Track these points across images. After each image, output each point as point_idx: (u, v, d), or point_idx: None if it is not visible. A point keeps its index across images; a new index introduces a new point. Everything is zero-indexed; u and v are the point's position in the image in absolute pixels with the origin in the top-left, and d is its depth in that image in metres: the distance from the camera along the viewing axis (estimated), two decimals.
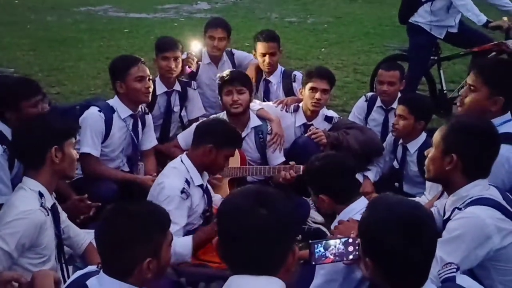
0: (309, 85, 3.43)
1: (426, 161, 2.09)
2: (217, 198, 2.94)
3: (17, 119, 2.62)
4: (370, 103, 3.84)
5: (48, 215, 2.15)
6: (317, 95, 3.40)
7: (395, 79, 3.68)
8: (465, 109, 2.45)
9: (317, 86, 3.40)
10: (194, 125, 3.43)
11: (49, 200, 2.21)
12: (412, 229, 1.45)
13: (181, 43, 3.75)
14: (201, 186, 2.70)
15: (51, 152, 2.19)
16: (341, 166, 2.23)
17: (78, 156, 2.36)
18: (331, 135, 3.41)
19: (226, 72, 3.42)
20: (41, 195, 2.16)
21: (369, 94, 4.00)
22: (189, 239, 2.54)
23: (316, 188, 2.24)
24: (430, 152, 2.06)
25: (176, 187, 2.56)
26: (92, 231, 2.35)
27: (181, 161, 2.69)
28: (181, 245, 2.46)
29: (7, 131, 2.63)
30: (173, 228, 2.50)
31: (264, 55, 3.91)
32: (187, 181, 2.62)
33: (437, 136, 2.04)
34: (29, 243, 2.08)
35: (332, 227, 2.21)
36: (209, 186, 2.88)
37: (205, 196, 2.75)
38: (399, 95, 3.70)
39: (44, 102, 2.72)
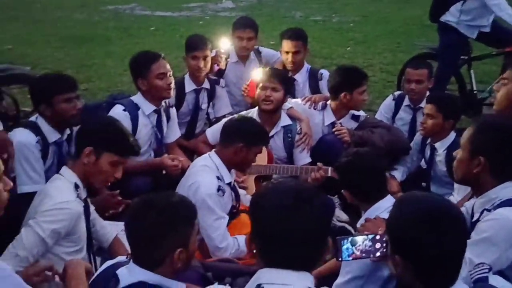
0: (362, 88, 3.41)
1: (454, 163, 2.06)
2: (241, 194, 2.95)
3: (51, 114, 2.69)
4: (398, 102, 3.80)
5: (83, 206, 2.20)
6: (366, 95, 3.48)
7: (423, 78, 3.64)
8: (497, 103, 2.46)
9: (366, 88, 3.45)
10: (224, 120, 3.46)
11: (83, 193, 2.26)
12: (441, 223, 1.44)
13: (210, 41, 3.76)
14: (229, 183, 2.71)
15: (86, 151, 2.22)
16: (369, 165, 2.22)
17: (113, 173, 2.32)
18: (356, 134, 3.39)
19: (267, 69, 3.47)
20: (76, 186, 2.21)
21: (397, 93, 3.96)
22: (243, 239, 2.62)
23: (342, 183, 2.25)
24: (458, 154, 2.03)
25: (212, 185, 2.58)
26: (119, 223, 2.41)
27: (210, 158, 2.70)
28: (242, 243, 2.58)
29: (42, 124, 2.71)
30: (223, 224, 2.58)
31: (287, 53, 3.90)
32: (218, 178, 2.64)
33: (464, 137, 2.01)
34: (64, 232, 2.13)
35: (358, 225, 2.20)
36: (236, 184, 2.90)
37: (233, 193, 2.76)
38: (428, 93, 3.66)
39: (78, 99, 2.77)
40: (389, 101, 3.87)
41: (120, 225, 2.43)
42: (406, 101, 3.76)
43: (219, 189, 2.59)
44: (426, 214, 1.47)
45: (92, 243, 2.35)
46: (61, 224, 2.10)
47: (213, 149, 2.80)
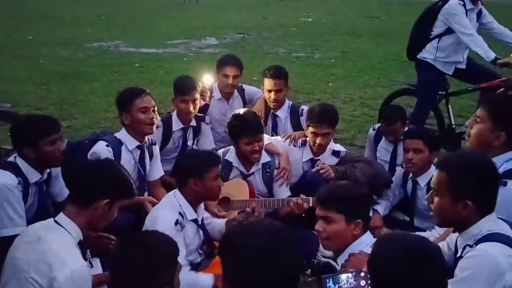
0: (310, 128, 3.47)
1: (433, 208, 2.02)
2: (220, 224, 2.92)
3: (36, 156, 2.67)
4: (377, 133, 3.92)
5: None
6: (318, 140, 3.45)
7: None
8: (471, 141, 2.46)
9: (317, 132, 3.43)
10: None
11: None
12: (420, 261, 1.47)
13: (198, 83, 3.73)
14: (195, 220, 2.69)
15: (101, 202, 2.10)
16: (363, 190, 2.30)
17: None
18: (339, 170, 3.42)
19: (243, 121, 3.32)
20: (81, 244, 2.08)
21: (376, 125, 4.05)
22: (210, 277, 2.54)
23: (353, 214, 2.19)
24: (435, 199, 1.99)
25: (170, 219, 2.56)
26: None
27: (174, 195, 2.70)
28: (203, 284, 2.50)
29: (23, 165, 2.68)
30: (181, 256, 2.52)
31: (270, 91, 3.95)
32: (180, 214, 2.62)
33: (438, 183, 1.97)
34: None
35: (342, 260, 2.19)
36: (209, 219, 2.89)
37: (200, 231, 2.73)
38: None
39: (62, 140, 2.76)
40: (370, 132, 4.04)
41: None
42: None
43: (176, 222, 2.57)
44: (406, 252, 1.49)
45: None
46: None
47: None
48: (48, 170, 2.82)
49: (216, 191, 2.75)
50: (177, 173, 2.78)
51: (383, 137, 3.88)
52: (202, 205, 2.79)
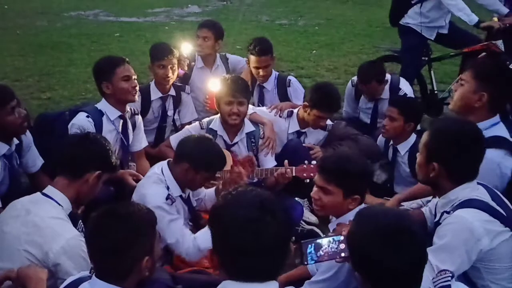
0: (314, 112, 3.41)
1: (416, 165, 2.10)
2: (210, 194, 2.91)
3: None
4: (357, 89, 3.93)
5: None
6: (322, 122, 3.48)
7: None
8: (454, 103, 2.49)
9: (324, 116, 3.44)
10: (187, 127, 3.44)
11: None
12: (396, 239, 1.44)
13: (176, 48, 3.73)
14: (180, 196, 2.66)
15: (92, 175, 2.14)
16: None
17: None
18: (328, 151, 3.40)
19: (228, 81, 3.29)
20: (73, 217, 2.10)
21: (355, 78, 4.02)
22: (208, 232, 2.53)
23: (352, 190, 2.13)
24: (418, 157, 2.08)
25: (159, 195, 2.52)
26: None
27: (161, 170, 2.64)
28: (204, 240, 2.43)
29: None
30: (179, 223, 2.53)
31: (257, 68, 3.90)
32: (167, 188, 2.59)
33: (421, 141, 2.05)
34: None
35: (330, 228, 2.20)
36: (201, 192, 2.88)
37: (186, 206, 2.71)
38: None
39: (19, 107, 2.68)
40: (349, 89, 4.02)
41: None
42: None
43: (167, 197, 2.54)
44: (381, 230, 1.47)
45: None
46: (85, 256, 1.96)
47: (168, 159, 2.73)
48: (16, 141, 2.77)
49: (199, 187, 2.73)
50: (178, 149, 2.67)
51: (361, 97, 3.90)
52: None
